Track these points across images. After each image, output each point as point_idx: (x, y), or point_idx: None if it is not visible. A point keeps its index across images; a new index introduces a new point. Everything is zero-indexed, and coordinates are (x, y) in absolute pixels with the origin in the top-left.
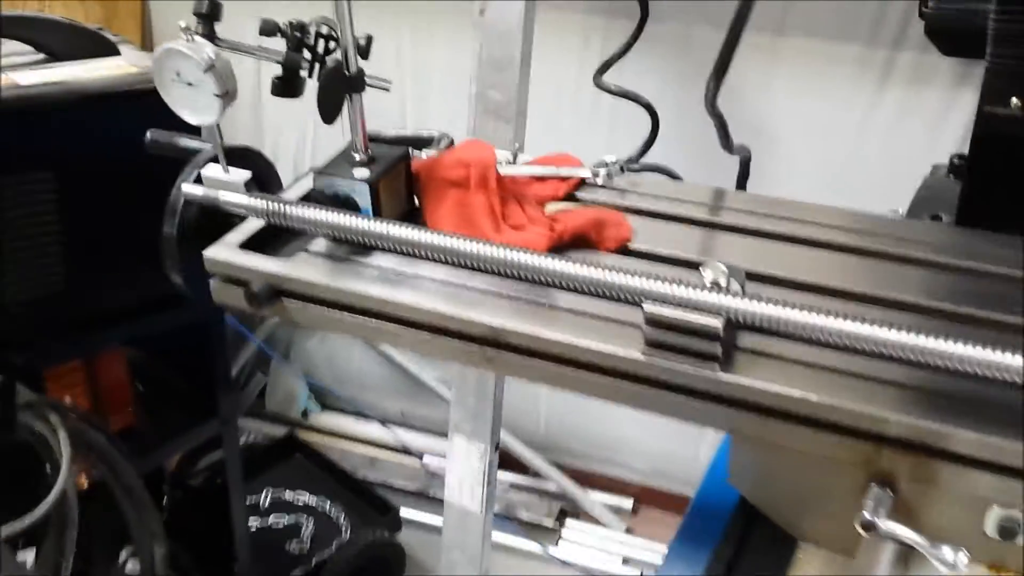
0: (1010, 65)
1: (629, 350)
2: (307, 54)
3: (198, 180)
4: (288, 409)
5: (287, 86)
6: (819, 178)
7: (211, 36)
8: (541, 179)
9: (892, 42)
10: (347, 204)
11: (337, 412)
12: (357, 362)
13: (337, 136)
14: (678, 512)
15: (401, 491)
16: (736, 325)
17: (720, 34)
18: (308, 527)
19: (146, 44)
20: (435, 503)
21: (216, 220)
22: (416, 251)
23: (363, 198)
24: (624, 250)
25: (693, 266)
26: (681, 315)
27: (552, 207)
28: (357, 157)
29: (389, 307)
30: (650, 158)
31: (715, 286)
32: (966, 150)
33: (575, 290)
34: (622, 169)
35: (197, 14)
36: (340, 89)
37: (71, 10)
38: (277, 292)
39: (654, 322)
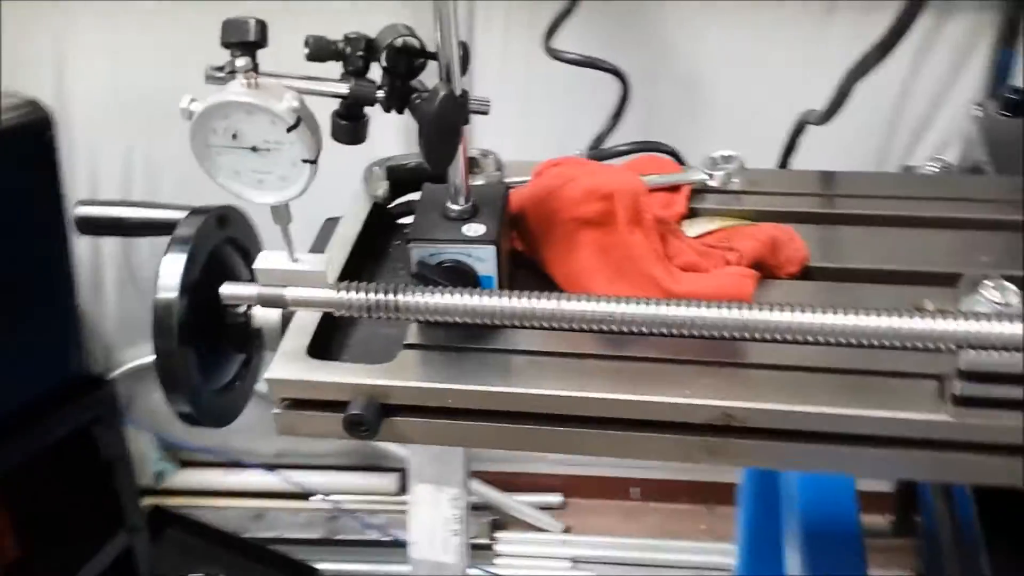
0: None
1: (937, 414)
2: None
3: (219, 272)
4: (139, 476)
5: (354, 128)
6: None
7: (255, 73)
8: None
9: None
10: (459, 274)
11: (197, 467)
12: None
13: (175, 156)
14: (608, 496)
15: (302, 542)
16: None
17: None
18: None
19: None
20: (345, 548)
21: (208, 316)
22: (603, 328)
23: (486, 263)
24: (806, 272)
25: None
26: (1014, 362)
27: (691, 229)
28: (456, 208)
29: (566, 405)
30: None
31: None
32: None
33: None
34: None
35: (239, 43)
36: (454, 122)
37: None
38: (385, 409)
39: (974, 375)
